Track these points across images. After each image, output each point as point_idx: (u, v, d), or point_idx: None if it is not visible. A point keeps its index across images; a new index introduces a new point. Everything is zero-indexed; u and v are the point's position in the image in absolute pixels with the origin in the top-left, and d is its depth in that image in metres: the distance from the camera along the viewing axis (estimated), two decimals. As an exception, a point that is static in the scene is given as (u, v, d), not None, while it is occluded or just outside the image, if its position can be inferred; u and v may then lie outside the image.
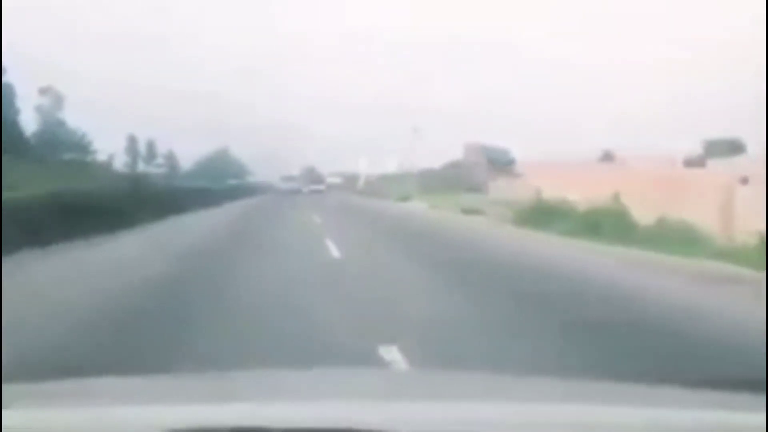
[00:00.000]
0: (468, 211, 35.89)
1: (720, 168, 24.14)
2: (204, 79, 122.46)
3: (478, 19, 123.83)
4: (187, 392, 2.34)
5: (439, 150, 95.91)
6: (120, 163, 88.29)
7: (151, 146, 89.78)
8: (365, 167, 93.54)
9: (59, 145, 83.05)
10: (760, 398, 2.04)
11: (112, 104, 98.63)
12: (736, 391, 2.20)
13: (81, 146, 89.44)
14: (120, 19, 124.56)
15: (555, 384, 2.85)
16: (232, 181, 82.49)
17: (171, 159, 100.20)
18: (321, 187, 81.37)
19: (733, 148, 36.86)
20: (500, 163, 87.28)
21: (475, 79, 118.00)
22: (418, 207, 44.74)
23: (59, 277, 11.88)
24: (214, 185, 62.35)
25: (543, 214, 25.23)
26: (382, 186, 76.52)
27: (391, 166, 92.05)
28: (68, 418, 1.83)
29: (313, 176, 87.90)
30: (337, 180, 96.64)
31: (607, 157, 51.02)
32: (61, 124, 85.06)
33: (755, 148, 29.00)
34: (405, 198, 55.55)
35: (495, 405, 2.09)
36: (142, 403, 2.04)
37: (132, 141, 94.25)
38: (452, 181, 66.96)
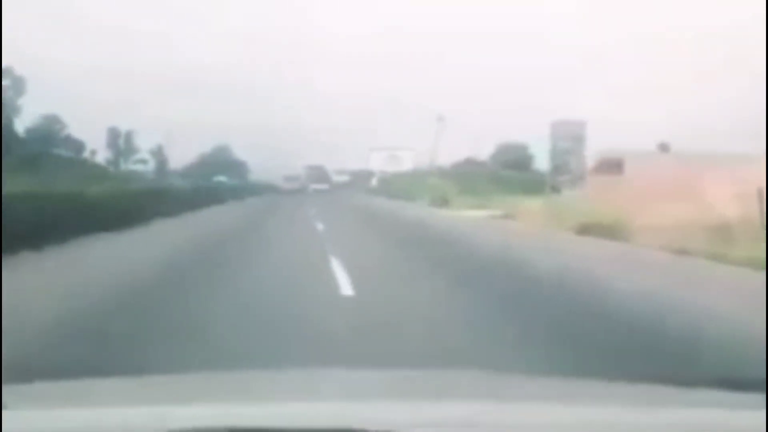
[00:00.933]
0: (586, 230, 19.72)
1: None
2: (202, 74, 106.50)
3: (494, 14, 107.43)
4: (186, 393, 2.22)
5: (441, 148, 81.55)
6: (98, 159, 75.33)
7: (129, 139, 73.63)
8: (379, 164, 77.30)
9: (50, 140, 71.56)
10: (760, 398, 1.90)
11: (110, 99, 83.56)
12: (736, 391, 2.09)
13: (74, 143, 77.18)
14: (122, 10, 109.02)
15: (554, 384, 2.73)
16: (220, 179, 66.03)
17: (159, 155, 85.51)
18: (325, 186, 71.12)
19: None
20: (518, 160, 74.45)
21: (485, 75, 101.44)
22: (478, 218, 28.52)
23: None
24: (190, 185, 46.33)
25: None
26: (400, 185, 60.35)
27: (407, 162, 76.09)
28: (68, 419, 1.75)
29: (317, 174, 76.17)
30: (344, 178, 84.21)
31: (664, 149, 38.92)
32: (49, 118, 73.17)
33: None
34: (441, 201, 39.30)
35: (492, 404, 2.01)
36: (142, 404, 1.97)
37: (114, 135, 78.75)
38: (487, 179, 50.88)
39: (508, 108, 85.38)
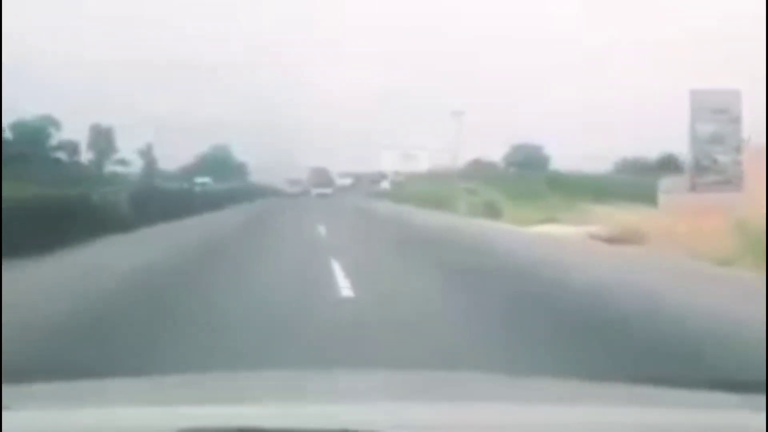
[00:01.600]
0: None
1: None
2: (203, 66, 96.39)
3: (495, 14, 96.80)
4: (185, 393, 2.14)
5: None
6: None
7: (108, 137, 63.11)
8: (392, 163, 66.38)
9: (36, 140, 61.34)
10: (760, 398, 1.81)
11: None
12: (736, 392, 1.98)
13: (68, 144, 68.31)
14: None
15: (554, 385, 2.61)
16: (203, 180, 55.18)
17: (148, 155, 75.68)
18: (327, 190, 63.31)
19: None
20: (533, 162, 66.44)
21: (494, 74, 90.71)
22: (572, 240, 17.71)
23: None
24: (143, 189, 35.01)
25: None
26: (419, 188, 49.49)
27: (422, 162, 65.29)
28: (69, 419, 1.70)
29: (320, 177, 67.97)
30: (347, 181, 76.48)
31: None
32: (44, 118, 64.04)
33: None
34: (490, 211, 28.49)
35: (493, 405, 1.93)
36: (142, 404, 1.91)
37: (96, 132, 68.32)
38: (542, 182, 39.98)
39: (518, 107, 75.37)
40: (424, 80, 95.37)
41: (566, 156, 62.61)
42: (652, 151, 60.76)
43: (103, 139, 66.09)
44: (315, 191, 61.52)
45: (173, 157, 75.49)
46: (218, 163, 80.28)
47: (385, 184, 65.20)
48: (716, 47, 72.74)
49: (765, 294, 7.71)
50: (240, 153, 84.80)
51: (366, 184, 72.18)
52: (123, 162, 62.35)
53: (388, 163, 66.98)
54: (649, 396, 2.09)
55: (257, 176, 80.00)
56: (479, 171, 58.87)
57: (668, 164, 62.33)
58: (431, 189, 45.44)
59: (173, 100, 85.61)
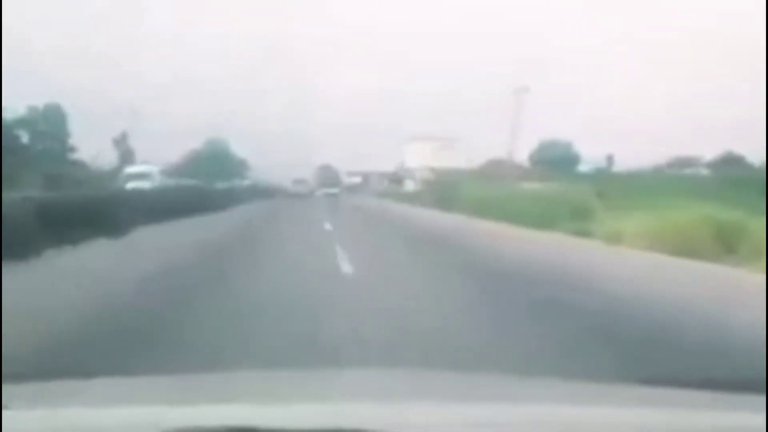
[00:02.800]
0: None
1: None
2: (201, 58, 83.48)
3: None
4: (185, 393, 2.04)
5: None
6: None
7: (55, 117, 47.31)
8: (422, 158, 49.92)
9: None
10: (760, 399, 1.73)
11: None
12: (736, 392, 1.91)
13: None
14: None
15: (554, 384, 2.48)
16: (133, 170, 38.41)
17: (122, 144, 60.86)
18: (335, 190, 58.50)
19: None
20: (563, 160, 56.13)
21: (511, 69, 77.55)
22: None
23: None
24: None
25: None
26: (469, 191, 32.52)
27: (460, 156, 49.05)
28: (68, 418, 1.63)
29: (327, 177, 60.49)
30: (356, 180, 67.22)
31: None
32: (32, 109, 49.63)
33: None
34: (723, 244, 11.96)
35: (496, 405, 1.85)
36: (142, 404, 1.82)
37: (50, 116, 52.24)
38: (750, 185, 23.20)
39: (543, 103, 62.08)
40: (425, 79, 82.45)
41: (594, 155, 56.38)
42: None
43: (56, 123, 50.22)
44: (321, 191, 53.57)
45: (168, 153, 62.45)
46: (214, 160, 68.34)
47: (410, 185, 48.90)
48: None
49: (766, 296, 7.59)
50: (241, 150, 73.06)
51: (375, 183, 62.41)
52: (73, 150, 46.10)
53: (417, 157, 50.60)
54: (650, 396, 2.00)
55: (259, 174, 70.37)
56: (497, 171, 46.40)
57: (730, 163, 52.20)
58: (496, 193, 28.86)
59: (172, 96, 72.27)
